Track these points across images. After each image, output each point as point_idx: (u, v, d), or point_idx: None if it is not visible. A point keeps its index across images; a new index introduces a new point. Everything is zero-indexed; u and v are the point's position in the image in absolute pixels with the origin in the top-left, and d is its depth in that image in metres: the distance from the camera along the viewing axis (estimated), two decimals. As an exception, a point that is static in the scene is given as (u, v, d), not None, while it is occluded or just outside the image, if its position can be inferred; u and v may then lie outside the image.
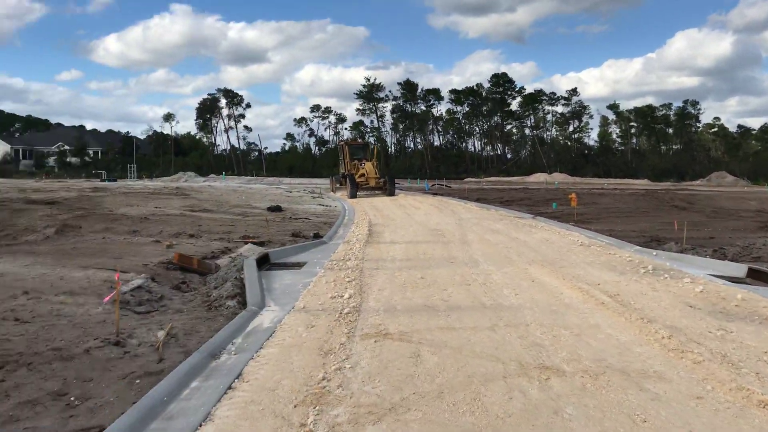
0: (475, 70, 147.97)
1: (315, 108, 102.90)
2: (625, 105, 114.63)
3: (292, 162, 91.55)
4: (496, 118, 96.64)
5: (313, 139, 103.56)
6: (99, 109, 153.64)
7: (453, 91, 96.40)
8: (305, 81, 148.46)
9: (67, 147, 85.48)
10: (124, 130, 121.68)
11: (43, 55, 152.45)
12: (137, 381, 4.36)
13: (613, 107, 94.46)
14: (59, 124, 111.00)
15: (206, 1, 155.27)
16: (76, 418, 3.70)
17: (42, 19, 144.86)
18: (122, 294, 6.85)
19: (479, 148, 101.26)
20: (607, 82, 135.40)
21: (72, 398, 4.01)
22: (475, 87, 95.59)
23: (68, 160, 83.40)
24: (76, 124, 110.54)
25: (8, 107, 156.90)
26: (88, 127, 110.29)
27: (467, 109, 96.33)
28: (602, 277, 8.41)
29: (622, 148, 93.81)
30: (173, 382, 4.20)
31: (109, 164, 78.42)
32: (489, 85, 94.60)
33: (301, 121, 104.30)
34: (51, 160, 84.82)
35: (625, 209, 23.21)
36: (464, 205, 24.02)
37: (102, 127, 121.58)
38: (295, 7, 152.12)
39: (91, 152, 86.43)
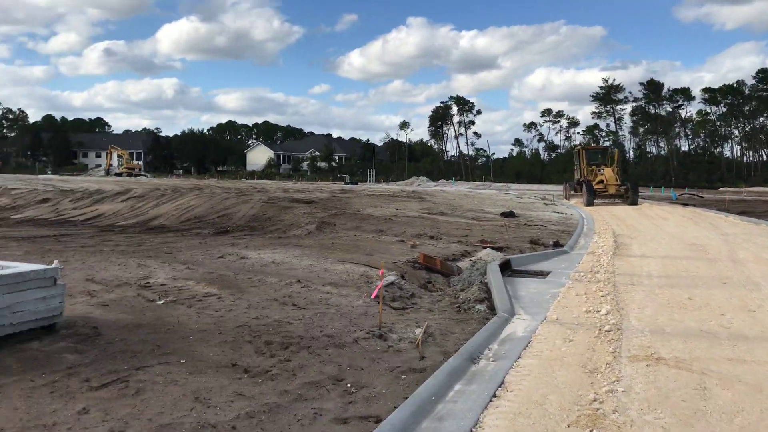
0: (733, 65, 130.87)
1: (546, 112, 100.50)
2: None
3: (520, 167, 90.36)
4: (761, 119, 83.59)
5: (542, 144, 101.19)
6: (343, 119, 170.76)
7: (707, 90, 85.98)
8: (535, 85, 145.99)
9: (317, 153, 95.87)
10: (364, 138, 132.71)
11: (300, 72, 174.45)
12: (403, 376, 4.49)
13: None
14: (311, 133, 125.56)
15: (440, 12, 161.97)
16: (354, 405, 3.91)
17: (299, 40, 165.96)
18: (371, 295, 7.25)
19: (738, 153, 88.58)
20: None
21: (348, 385, 4.26)
22: (735, 84, 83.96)
23: (318, 164, 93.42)
24: (325, 133, 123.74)
25: (272, 119, 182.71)
26: (335, 135, 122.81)
27: (724, 109, 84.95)
28: None
29: None
30: (438, 383, 4.23)
31: (352, 168, 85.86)
32: (753, 82, 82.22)
33: (530, 125, 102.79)
34: (304, 165, 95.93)
35: None
36: (725, 217, 21.03)
37: (345, 135, 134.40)
38: (527, 11, 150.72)
39: (336, 158, 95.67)
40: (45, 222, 16.80)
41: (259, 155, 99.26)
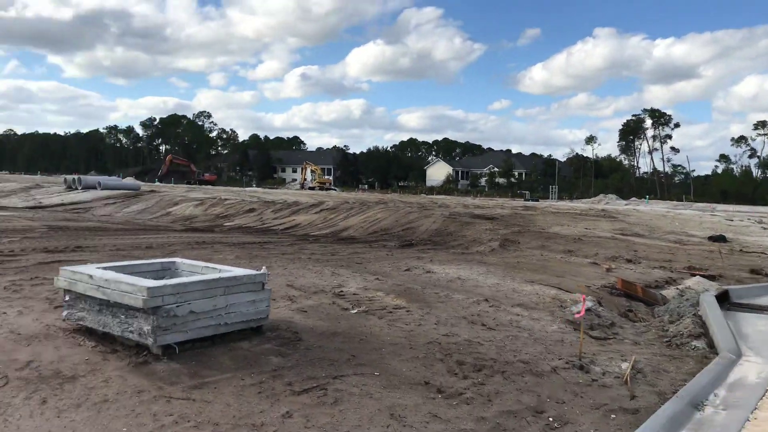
0: None
1: (759, 124, 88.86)
2: None
3: (727, 186, 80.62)
4: None
5: (754, 161, 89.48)
6: (523, 134, 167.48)
7: None
8: (744, 95, 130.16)
9: (496, 169, 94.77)
10: (545, 153, 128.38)
11: (479, 89, 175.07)
12: (612, 416, 4.01)
13: None
14: (490, 149, 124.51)
15: (631, 21, 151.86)
16: (559, 443, 3.55)
17: (480, 57, 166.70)
18: (574, 315, 6.72)
19: None
20: None
21: (550, 418, 3.90)
22: None
23: (496, 180, 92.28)
24: (504, 149, 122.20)
25: (451, 135, 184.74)
26: (514, 150, 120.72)
27: None
28: None
29: None
30: (656, 428, 3.68)
31: (532, 185, 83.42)
32: None
33: (739, 140, 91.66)
34: (482, 181, 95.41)
35: None
36: None
37: (525, 151, 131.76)
38: (735, 14, 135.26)
39: (516, 173, 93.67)
40: (251, 229, 18.57)
41: (438, 171, 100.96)
